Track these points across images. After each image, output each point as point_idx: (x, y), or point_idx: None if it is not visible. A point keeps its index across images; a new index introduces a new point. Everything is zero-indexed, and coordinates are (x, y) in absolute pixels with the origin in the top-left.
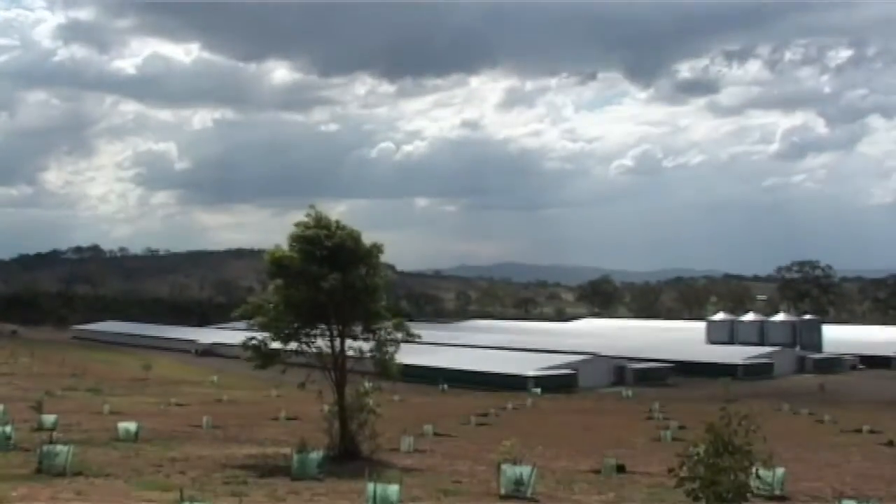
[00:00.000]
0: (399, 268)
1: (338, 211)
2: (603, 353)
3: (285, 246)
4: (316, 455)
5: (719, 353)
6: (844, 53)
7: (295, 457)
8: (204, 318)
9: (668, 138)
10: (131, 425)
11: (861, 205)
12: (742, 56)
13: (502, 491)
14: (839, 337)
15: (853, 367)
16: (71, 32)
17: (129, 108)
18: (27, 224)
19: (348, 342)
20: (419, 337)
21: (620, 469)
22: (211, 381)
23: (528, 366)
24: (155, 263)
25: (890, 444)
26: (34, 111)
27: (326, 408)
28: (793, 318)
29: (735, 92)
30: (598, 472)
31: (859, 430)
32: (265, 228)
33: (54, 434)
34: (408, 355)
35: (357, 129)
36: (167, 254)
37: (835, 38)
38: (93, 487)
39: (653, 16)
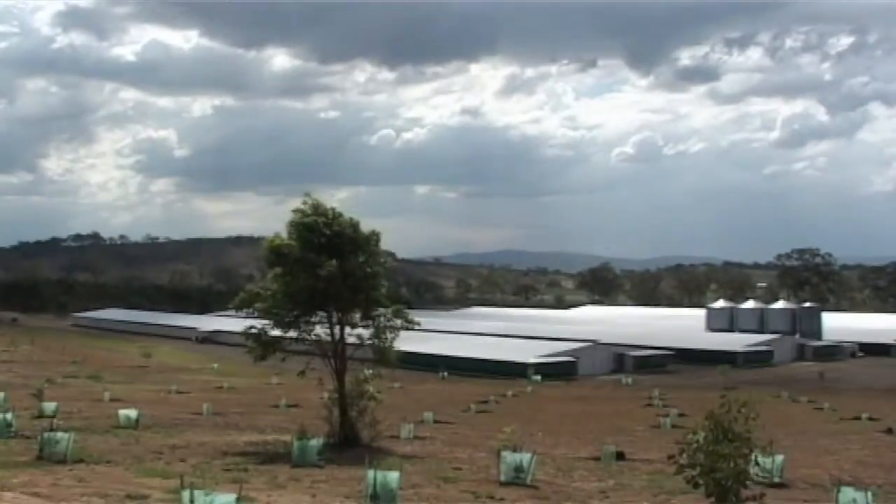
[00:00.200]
0: (399, 255)
1: (338, 198)
2: (603, 341)
3: (285, 234)
4: (316, 442)
5: (719, 341)
6: (845, 41)
7: (295, 444)
8: (204, 305)
9: (668, 125)
10: (132, 412)
11: (861, 192)
12: (743, 43)
13: (502, 478)
14: (839, 324)
15: (853, 355)
16: (70, 19)
17: (129, 95)
18: (27, 211)
19: (348, 330)
20: (418, 324)
21: (620, 456)
22: (211, 369)
23: (528, 353)
24: (155, 251)
25: (889, 431)
26: (34, 98)
27: (326, 395)
28: (792, 305)
29: (736, 79)
30: (597, 459)
31: (858, 418)
32: (265, 216)
33: (55, 421)
34: (408, 342)
35: (357, 117)
36: (167, 241)
37: (836, 25)
38: (94, 474)
39: (653, 3)
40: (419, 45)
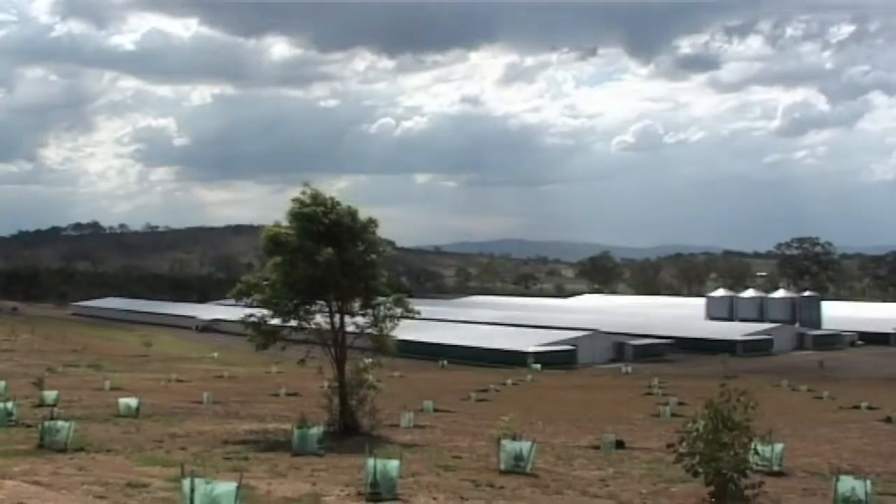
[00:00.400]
0: (399, 244)
1: (338, 187)
2: (602, 330)
3: (285, 223)
4: (316, 431)
5: (719, 330)
6: (846, 29)
7: (295, 432)
8: (204, 294)
9: (668, 114)
10: (132, 401)
11: (862, 181)
12: (743, 32)
13: (502, 466)
14: (838, 313)
15: (852, 344)
16: (68, 7)
17: (128, 83)
18: (27, 201)
19: (348, 318)
20: (419, 313)
21: (620, 445)
22: (211, 357)
23: (528, 342)
24: (155, 240)
25: (888, 420)
26: (33, 87)
27: (326, 384)
28: (792, 294)
29: (736, 68)
30: (597, 447)
31: (858, 407)
32: (265, 204)
33: (55, 410)
34: (408, 331)
35: (357, 105)
36: (167, 230)
37: (836, 13)
38: (94, 463)
39: None
40: (419, 34)
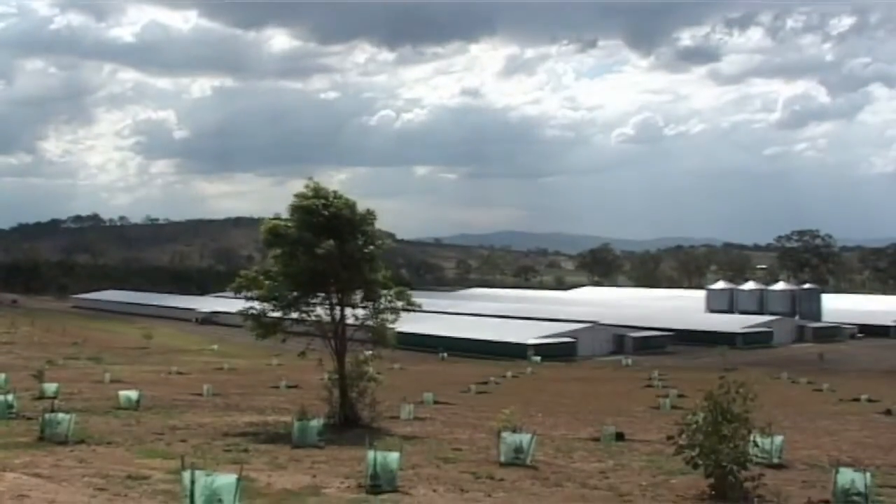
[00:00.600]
0: (399, 236)
1: (338, 179)
2: (602, 322)
3: (286, 215)
4: (316, 423)
5: (719, 322)
6: (847, 21)
7: (295, 424)
8: (204, 286)
9: (668, 106)
10: (132, 393)
11: (862, 174)
12: (743, 24)
13: (502, 458)
14: (838, 306)
15: (852, 337)
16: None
17: (128, 76)
18: (27, 193)
19: (349, 311)
20: (419, 306)
21: (619, 437)
22: (211, 350)
23: (528, 334)
24: (155, 232)
25: (888, 412)
26: (32, 80)
27: (326, 376)
28: (792, 286)
29: (736, 60)
30: (597, 439)
31: (857, 399)
32: (265, 197)
33: (56, 402)
34: (408, 323)
35: (357, 97)
36: (167, 222)
37: (837, 5)
38: (95, 455)
39: None
40: (419, 26)
